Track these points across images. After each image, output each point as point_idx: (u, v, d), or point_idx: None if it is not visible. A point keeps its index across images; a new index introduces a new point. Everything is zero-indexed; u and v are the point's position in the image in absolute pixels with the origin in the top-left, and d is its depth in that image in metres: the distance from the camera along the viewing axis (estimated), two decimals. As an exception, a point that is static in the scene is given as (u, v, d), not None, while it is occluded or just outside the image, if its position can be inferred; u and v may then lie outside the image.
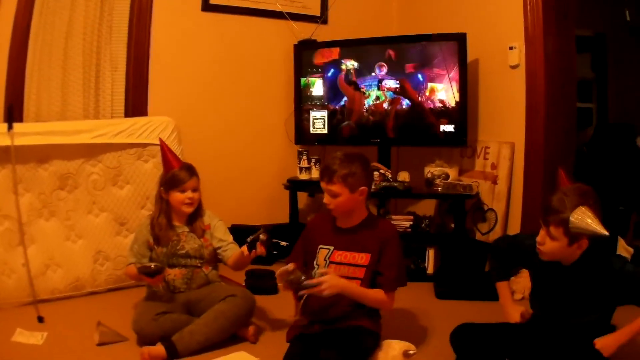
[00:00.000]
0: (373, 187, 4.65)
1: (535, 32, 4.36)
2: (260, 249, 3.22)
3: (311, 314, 2.98)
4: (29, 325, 3.50)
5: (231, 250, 3.52)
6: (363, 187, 2.97)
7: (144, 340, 3.16)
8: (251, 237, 3.22)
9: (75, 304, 4.03)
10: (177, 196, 3.50)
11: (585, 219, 2.47)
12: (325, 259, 3.04)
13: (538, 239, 2.63)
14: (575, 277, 2.65)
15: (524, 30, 4.44)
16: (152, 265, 3.34)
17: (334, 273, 2.89)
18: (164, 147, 3.63)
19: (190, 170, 3.57)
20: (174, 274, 3.48)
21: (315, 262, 3.07)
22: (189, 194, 3.51)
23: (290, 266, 2.89)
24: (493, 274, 3.12)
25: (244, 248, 3.26)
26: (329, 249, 3.05)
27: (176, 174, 3.52)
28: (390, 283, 2.98)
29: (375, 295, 2.95)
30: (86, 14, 4.56)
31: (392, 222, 4.69)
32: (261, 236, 3.21)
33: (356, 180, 2.94)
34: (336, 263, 3.01)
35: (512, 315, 2.96)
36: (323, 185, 3.00)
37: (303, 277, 2.80)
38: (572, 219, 2.48)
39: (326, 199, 3.00)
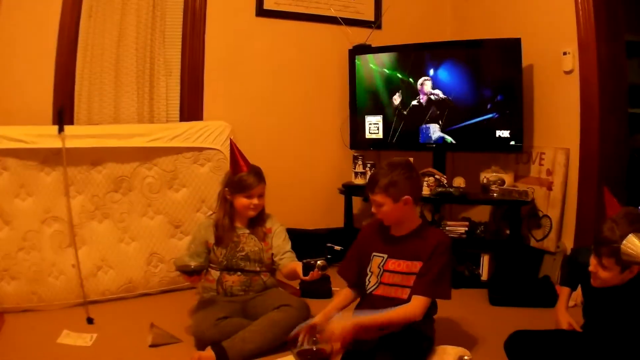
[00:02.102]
0: (428, 192, 4.67)
1: (588, 37, 4.30)
2: (313, 275, 3.12)
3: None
4: (78, 326, 3.53)
5: (287, 259, 3.49)
6: (407, 197, 2.93)
7: (205, 344, 3.12)
8: (311, 261, 3.15)
9: (127, 305, 4.07)
10: (242, 201, 3.49)
11: (636, 248, 2.41)
12: (379, 267, 3.02)
13: (590, 268, 2.61)
14: (624, 296, 2.61)
15: (577, 35, 4.38)
16: (192, 264, 3.32)
17: (341, 317, 2.88)
18: (233, 148, 3.57)
19: (259, 175, 3.53)
20: (232, 281, 3.49)
21: (368, 269, 3.07)
22: (255, 200, 3.49)
23: (307, 326, 2.84)
24: (560, 277, 3.27)
25: (300, 267, 3.18)
26: (383, 257, 3.03)
27: (244, 178, 3.48)
28: (423, 286, 2.89)
29: (399, 312, 2.86)
30: (138, 20, 4.60)
31: (447, 227, 4.70)
32: (319, 262, 3.11)
33: (398, 189, 2.90)
34: (390, 271, 2.99)
35: (560, 321, 3.01)
36: (369, 195, 3.00)
37: (314, 348, 2.72)
38: (623, 249, 2.42)
39: (373, 208, 3.00)
